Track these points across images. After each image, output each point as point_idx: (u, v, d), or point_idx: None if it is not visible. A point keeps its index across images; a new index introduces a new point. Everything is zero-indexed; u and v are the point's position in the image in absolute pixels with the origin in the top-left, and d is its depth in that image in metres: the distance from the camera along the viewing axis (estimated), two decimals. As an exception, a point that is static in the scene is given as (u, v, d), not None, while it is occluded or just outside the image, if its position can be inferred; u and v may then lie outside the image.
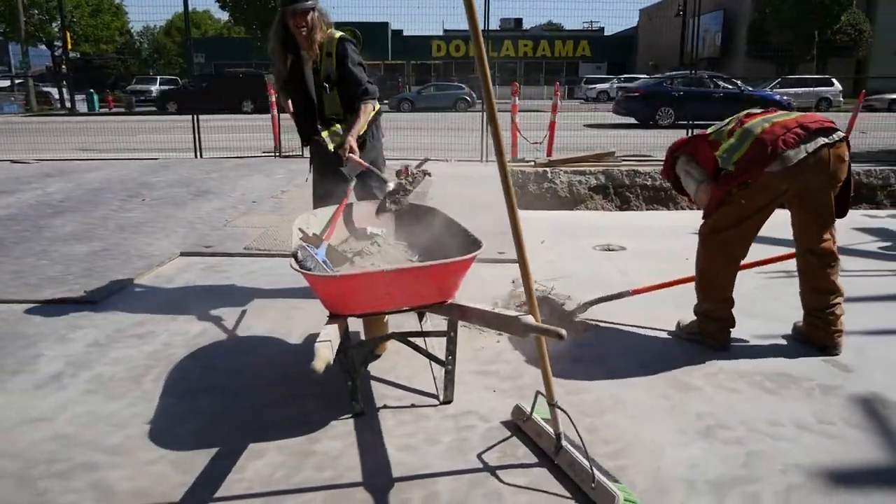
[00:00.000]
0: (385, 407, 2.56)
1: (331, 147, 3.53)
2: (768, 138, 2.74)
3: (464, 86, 28.93)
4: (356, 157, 3.38)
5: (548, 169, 9.00)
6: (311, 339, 3.24)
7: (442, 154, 10.20)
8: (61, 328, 3.39)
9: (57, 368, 2.92)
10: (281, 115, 11.47)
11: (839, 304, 2.98)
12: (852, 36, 29.45)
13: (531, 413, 2.31)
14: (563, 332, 1.85)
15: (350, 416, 2.49)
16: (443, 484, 2.07)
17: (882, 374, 2.84)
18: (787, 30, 27.88)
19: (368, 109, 3.48)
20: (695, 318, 3.17)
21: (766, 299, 3.74)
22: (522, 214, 2.41)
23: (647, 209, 9.41)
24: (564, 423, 2.14)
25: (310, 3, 3.35)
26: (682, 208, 9.42)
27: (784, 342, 3.18)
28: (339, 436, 2.36)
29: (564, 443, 2.14)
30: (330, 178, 3.61)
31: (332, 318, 2.35)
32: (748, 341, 3.18)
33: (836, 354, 3.01)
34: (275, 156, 10.49)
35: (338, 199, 3.35)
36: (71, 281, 4.14)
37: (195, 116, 10.63)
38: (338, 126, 3.55)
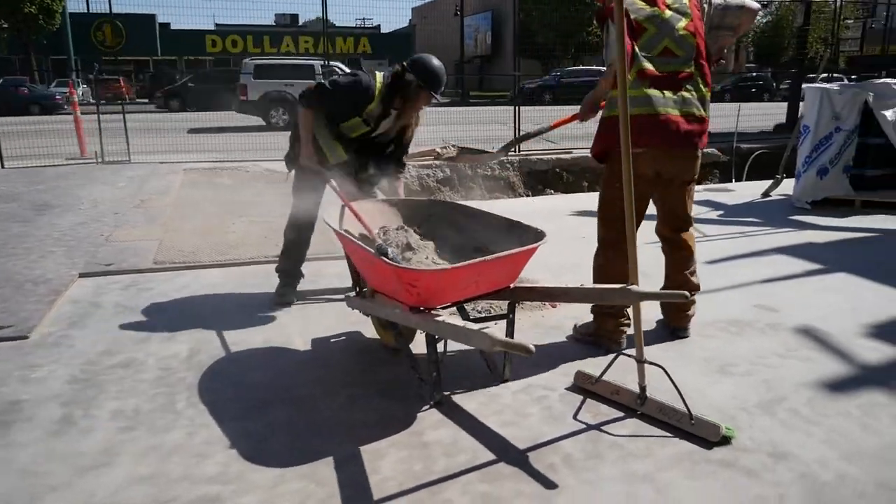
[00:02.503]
0: (454, 393, 2.67)
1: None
2: (666, 124, 2.82)
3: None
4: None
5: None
6: (320, 342, 3.20)
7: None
8: (13, 370, 2.91)
9: (56, 412, 2.54)
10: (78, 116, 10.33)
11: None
12: (601, 38, 33.70)
13: (601, 375, 2.60)
14: (532, 346, 1.94)
15: (428, 407, 2.56)
16: (568, 446, 2.28)
17: (798, 310, 3.58)
18: (550, 31, 31.05)
19: (402, 182, 3.76)
20: (591, 318, 3.17)
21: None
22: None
23: (490, 199, 10.11)
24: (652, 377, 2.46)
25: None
26: (520, 195, 10.34)
27: (713, 297, 3.82)
28: (438, 424, 2.44)
29: (648, 393, 2.47)
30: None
31: (414, 311, 2.42)
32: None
33: (685, 337, 3.20)
34: (97, 162, 9.37)
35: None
36: (-28, 318, 3.50)
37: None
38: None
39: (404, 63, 3.43)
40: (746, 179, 9.99)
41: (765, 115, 16.30)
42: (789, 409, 2.54)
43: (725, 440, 2.29)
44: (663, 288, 3.15)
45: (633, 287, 2.32)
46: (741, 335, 3.27)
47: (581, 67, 27.71)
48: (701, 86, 2.97)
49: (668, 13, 2.93)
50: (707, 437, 2.29)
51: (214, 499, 2.01)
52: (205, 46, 39.31)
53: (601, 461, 2.20)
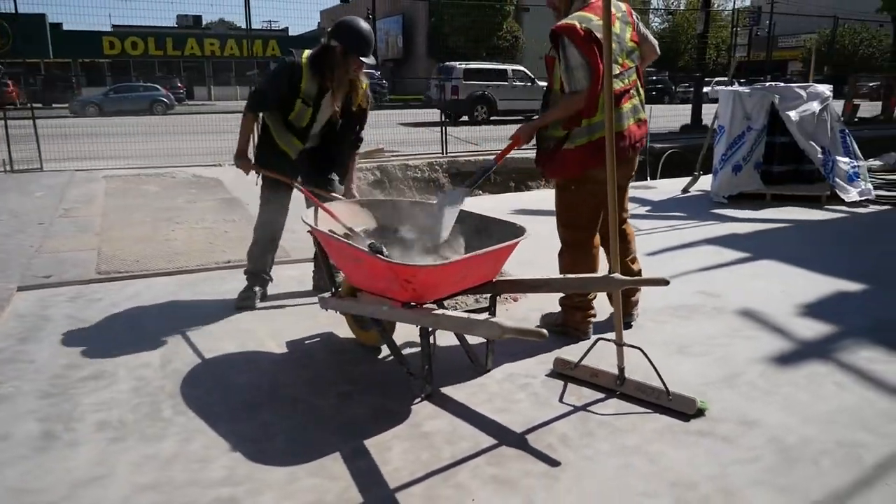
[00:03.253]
0: (441, 385, 2.76)
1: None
2: (626, 139, 2.95)
3: (159, 86, 26.65)
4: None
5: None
6: (295, 343, 3.21)
7: (211, 159, 9.67)
8: (-29, 388, 2.76)
9: (34, 427, 2.44)
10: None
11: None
12: (511, 42, 34.61)
13: (580, 361, 2.77)
14: (545, 332, 2.10)
15: (419, 399, 2.64)
16: (561, 427, 2.42)
17: (736, 295, 3.89)
18: (462, 34, 31.57)
19: (356, 160, 3.78)
20: (559, 309, 3.31)
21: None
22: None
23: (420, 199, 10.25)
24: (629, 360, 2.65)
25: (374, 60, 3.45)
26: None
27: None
28: (434, 415, 2.52)
29: (626, 374, 2.65)
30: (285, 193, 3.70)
31: (407, 306, 2.49)
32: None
33: (632, 322, 3.36)
34: (4, 171, 8.75)
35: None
36: None
37: None
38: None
39: (328, 30, 3.41)
40: (661, 177, 10.59)
41: (671, 116, 17.30)
42: (747, 382, 2.79)
43: (700, 412, 2.50)
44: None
45: (616, 275, 2.49)
46: (690, 319, 3.53)
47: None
48: (641, 89, 3.16)
49: (618, 24, 2.99)
50: (684, 410, 2.49)
51: (230, 500, 2.01)
52: (101, 48, 37.28)
53: (594, 438, 2.35)
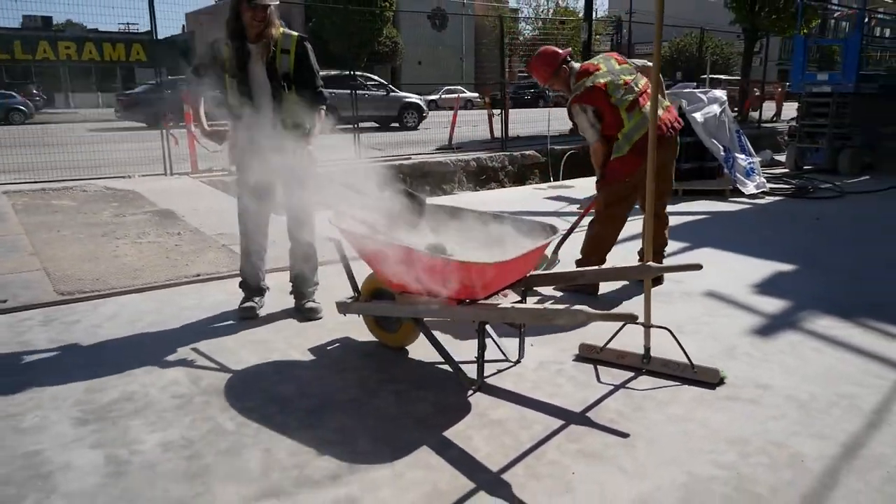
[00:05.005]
0: (489, 376, 2.91)
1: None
2: (662, 125, 3.80)
3: (14, 93, 24.31)
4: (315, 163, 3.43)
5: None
6: (318, 350, 3.23)
7: (119, 170, 9.10)
8: (-8, 422, 2.57)
9: (92, 455, 2.34)
10: None
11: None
12: (390, 47, 34.86)
13: (605, 344, 3.03)
14: (634, 314, 2.36)
15: (471, 392, 2.78)
16: (612, 404, 2.66)
17: (696, 281, 4.32)
18: (344, 40, 31.34)
19: (323, 116, 3.47)
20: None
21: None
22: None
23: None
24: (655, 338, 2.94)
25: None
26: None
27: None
28: (494, 405, 2.67)
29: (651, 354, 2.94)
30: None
31: (461, 304, 2.63)
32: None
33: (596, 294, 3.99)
34: None
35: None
36: None
37: None
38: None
39: None
40: (563, 178, 11.24)
41: (553, 119, 18.24)
42: (744, 353, 3.18)
43: (721, 381, 2.84)
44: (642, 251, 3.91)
45: (651, 263, 2.77)
46: (670, 303, 3.92)
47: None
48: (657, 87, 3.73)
49: (602, 64, 3.93)
50: (709, 380, 2.82)
51: (348, 500, 2.07)
52: (-68, 51, 33.30)
53: (645, 411, 2.61)
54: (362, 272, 3.18)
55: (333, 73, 17.37)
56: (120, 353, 3.24)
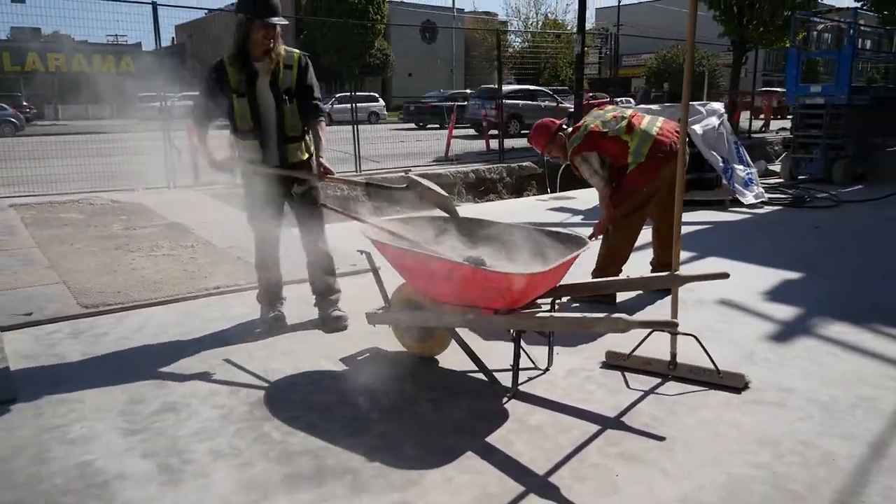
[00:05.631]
0: (520, 384, 2.99)
1: (303, 157, 3.59)
2: (665, 138, 4.00)
3: (6, 106, 24.17)
4: (334, 174, 3.52)
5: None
6: (349, 361, 3.30)
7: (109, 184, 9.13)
8: (36, 436, 2.61)
9: (145, 465, 2.39)
10: None
11: None
12: (381, 60, 35.12)
13: (632, 352, 3.12)
14: (676, 321, 2.56)
15: (506, 399, 2.86)
16: (645, 408, 2.75)
17: (705, 290, 4.43)
18: (334, 53, 31.52)
19: (324, 128, 3.55)
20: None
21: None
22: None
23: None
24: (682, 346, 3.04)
25: (283, 19, 3.32)
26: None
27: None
28: (530, 411, 2.75)
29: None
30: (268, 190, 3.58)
31: (498, 313, 2.72)
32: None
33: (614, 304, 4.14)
34: None
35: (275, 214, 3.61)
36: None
37: None
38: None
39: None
40: (561, 189, 11.38)
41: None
42: (763, 358, 3.29)
43: (746, 385, 2.94)
44: (654, 261, 4.18)
45: (679, 273, 2.87)
46: (685, 311, 3.99)
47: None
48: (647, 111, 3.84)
49: (590, 116, 4.33)
50: (735, 385, 2.92)
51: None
52: (-80, 64, 33.07)
53: (677, 415, 2.70)
54: (392, 282, 3.26)
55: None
56: (153, 364, 3.29)
